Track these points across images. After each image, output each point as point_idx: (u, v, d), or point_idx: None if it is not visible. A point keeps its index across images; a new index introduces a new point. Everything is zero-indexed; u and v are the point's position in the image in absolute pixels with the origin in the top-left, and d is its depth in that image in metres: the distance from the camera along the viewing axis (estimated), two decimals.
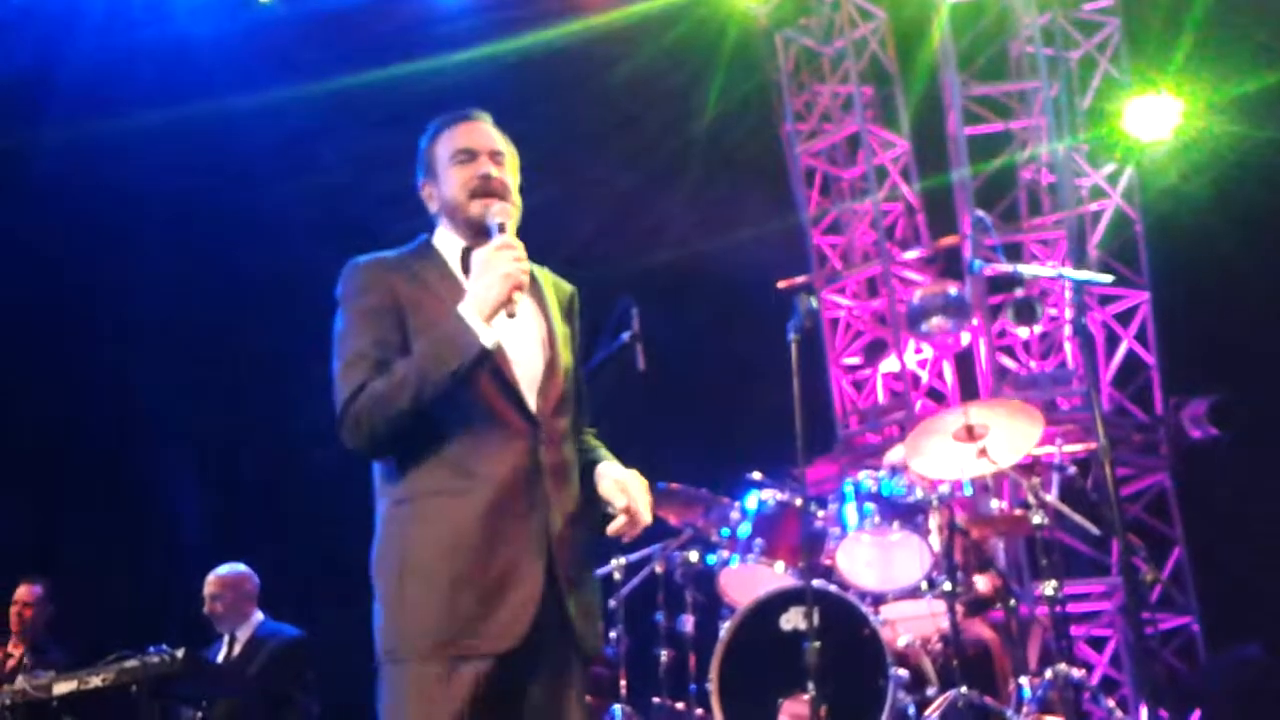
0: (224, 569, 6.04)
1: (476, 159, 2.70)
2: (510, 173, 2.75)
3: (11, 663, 6.22)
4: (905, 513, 5.14)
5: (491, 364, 2.51)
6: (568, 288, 2.87)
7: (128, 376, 8.06)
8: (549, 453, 2.57)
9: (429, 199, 2.79)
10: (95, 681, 4.65)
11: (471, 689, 2.41)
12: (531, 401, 2.59)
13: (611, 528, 2.61)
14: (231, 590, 5.97)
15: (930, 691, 4.80)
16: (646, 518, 2.61)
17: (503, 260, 2.50)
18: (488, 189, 2.67)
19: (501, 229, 2.59)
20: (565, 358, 2.69)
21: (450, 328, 2.48)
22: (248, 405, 7.94)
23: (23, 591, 6.46)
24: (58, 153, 7.65)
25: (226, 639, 5.93)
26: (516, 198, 2.74)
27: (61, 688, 4.69)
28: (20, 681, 4.76)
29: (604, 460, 2.74)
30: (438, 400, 2.47)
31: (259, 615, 6.00)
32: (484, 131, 2.76)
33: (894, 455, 5.71)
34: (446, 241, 2.74)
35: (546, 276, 2.81)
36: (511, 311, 2.49)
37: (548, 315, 2.71)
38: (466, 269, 2.63)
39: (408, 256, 2.72)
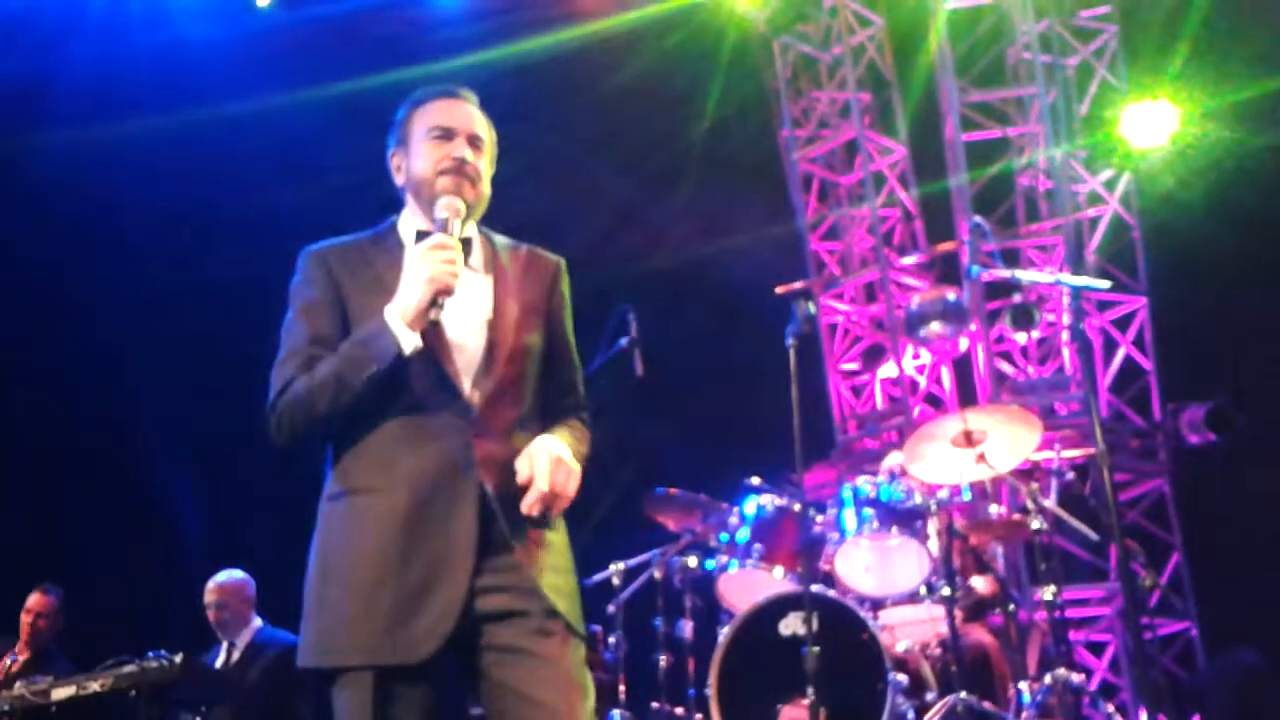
0: (224, 577, 6.05)
1: (454, 139, 2.58)
2: (486, 159, 2.64)
3: (14, 667, 6.19)
4: (904, 518, 5.13)
5: (426, 352, 2.41)
6: (550, 259, 2.71)
7: (127, 380, 8.06)
8: (486, 445, 2.43)
9: (396, 170, 2.66)
10: (94, 687, 4.65)
11: (402, 703, 2.33)
12: (468, 390, 2.46)
13: (523, 505, 2.39)
14: (235, 598, 5.99)
15: (929, 696, 4.79)
16: (542, 485, 2.36)
17: (432, 262, 2.39)
18: (460, 171, 2.55)
19: (445, 225, 2.47)
20: (523, 338, 2.54)
21: (370, 331, 2.41)
22: (247, 409, 7.91)
23: (37, 601, 6.37)
24: (56, 157, 7.65)
25: (225, 644, 5.94)
26: (486, 187, 2.62)
27: (60, 693, 4.69)
28: (19, 687, 4.75)
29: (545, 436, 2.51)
30: (358, 401, 2.41)
31: (257, 621, 6.01)
32: (466, 112, 2.63)
33: (892, 460, 5.71)
34: (408, 223, 2.63)
35: (518, 251, 2.67)
36: (435, 316, 2.40)
37: (502, 295, 2.56)
38: None
39: (365, 242, 2.63)
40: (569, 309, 2.71)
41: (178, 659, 4.68)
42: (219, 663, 5.87)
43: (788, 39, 8.60)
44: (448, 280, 2.39)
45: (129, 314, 7.99)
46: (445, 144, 2.58)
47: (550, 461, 2.39)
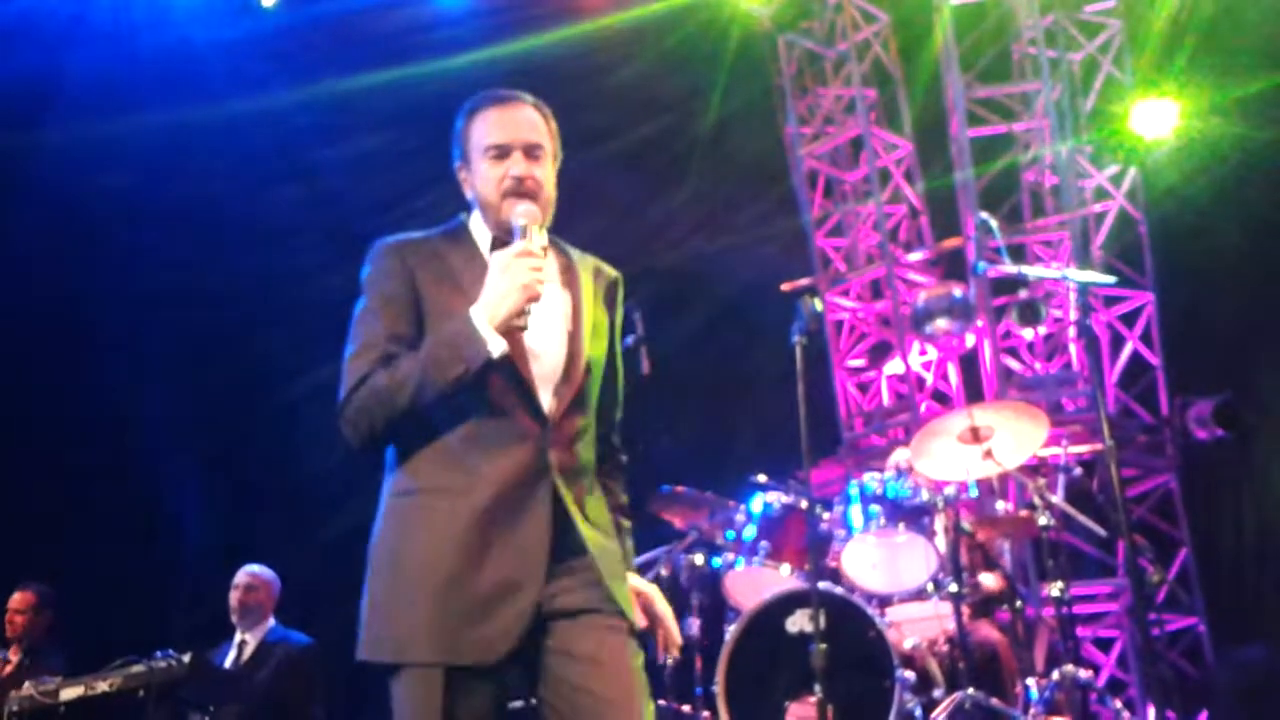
0: (258, 567, 6.07)
1: (509, 155, 2.57)
2: (547, 164, 2.63)
3: (9, 668, 6.19)
4: (911, 515, 5.13)
5: (505, 359, 2.43)
6: (611, 274, 2.75)
7: (131, 380, 8.06)
8: (558, 454, 2.48)
9: (464, 183, 2.67)
10: (102, 687, 4.66)
11: (474, 702, 2.37)
12: (545, 400, 2.50)
13: (661, 658, 2.74)
14: (265, 588, 6.03)
15: (937, 693, 4.79)
16: (677, 643, 2.81)
17: (521, 269, 2.42)
18: (520, 190, 2.55)
19: (524, 232, 2.49)
20: (592, 351, 2.59)
21: (458, 331, 2.41)
22: (250, 408, 7.94)
23: (16, 598, 6.38)
24: (60, 157, 7.65)
25: (236, 642, 5.93)
26: (551, 190, 2.62)
27: (69, 693, 4.70)
28: (27, 687, 4.76)
29: (623, 555, 2.69)
30: (438, 402, 2.42)
31: (272, 620, 6.01)
32: (519, 120, 2.62)
33: (898, 457, 5.70)
34: (480, 225, 2.65)
35: (586, 262, 2.71)
36: (523, 323, 2.43)
37: (578, 307, 2.60)
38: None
39: (438, 238, 2.64)
40: (620, 324, 2.76)
41: (186, 658, 4.68)
42: (228, 661, 5.86)
43: (792, 36, 8.59)
44: (537, 289, 2.43)
45: (131, 312, 8.00)
46: (501, 163, 2.58)
47: (671, 617, 2.76)
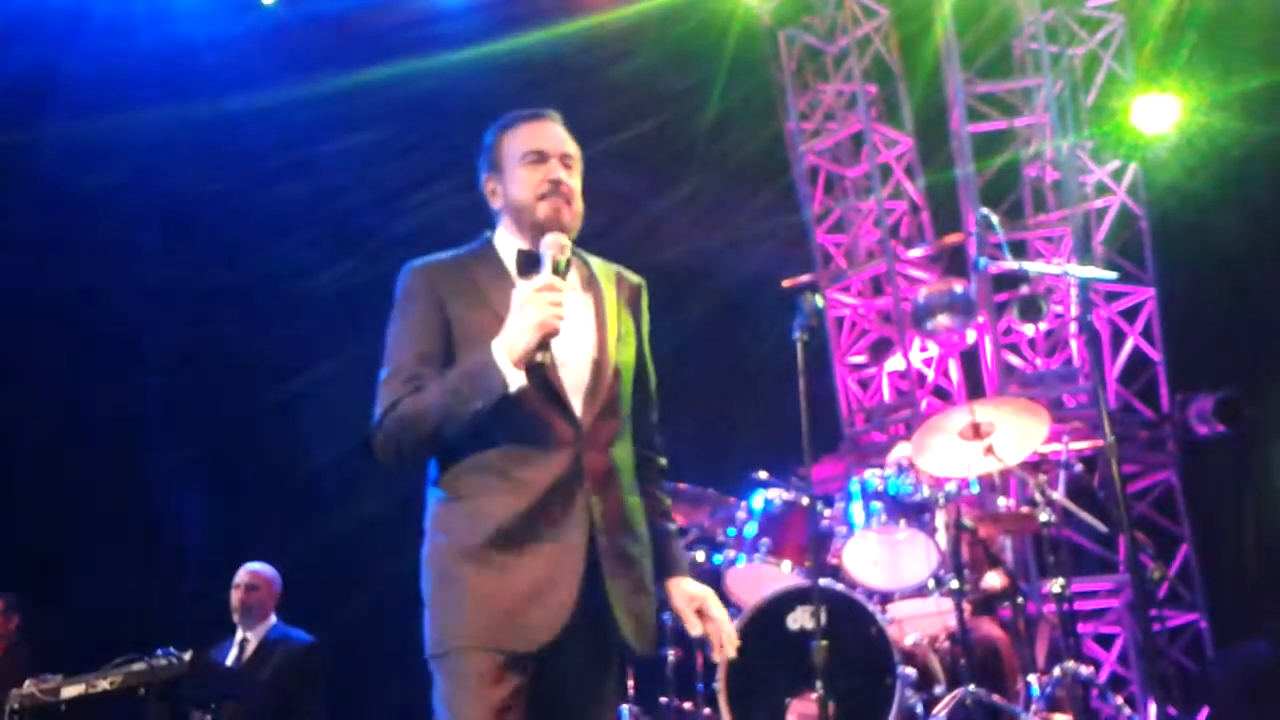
0: (259, 565, 6.08)
1: (547, 161, 2.69)
2: (578, 176, 2.75)
3: None
4: (912, 511, 5.13)
5: (537, 370, 2.52)
6: (634, 280, 2.85)
7: (131, 378, 8.06)
8: (593, 458, 2.59)
9: (492, 194, 2.77)
10: (103, 685, 4.65)
11: (511, 684, 2.46)
12: (577, 406, 2.60)
13: (716, 655, 2.81)
14: (267, 586, 6.04)
15: (938, 690, 4.79)
16: (733, 644, 2.78)
17: (539, 305, 2.47)
18: (557, 193, 2.66)
19: (551, 263, 2.55)
20: (620, 356, 2.69)
21: (477, 365, 2.49)
22: (250, 405, 7.94)
23: None
24: (59, 153, 7.65)
25: (238, 639, 5.93)
26: (579, 203, 2.73)
27: (69, 691, 4.69)
28: (28, 685, 4.75)
29: (673, 559, 2.82)
30: (461, 430, 2.51)
31: (273, 619, 6.01)
32: (555, 133, 2.74)
33: (899, 453, 5.70)
34: (505, 241, 2.73)
35: (608, 271, 2.80)
36: (542, 358, 2.50)
37: (602, 315, 2.70)
38: (522, 270, 2.64)
39: (465, 258, 2.73)
40: (647, 329, 2.85)
41: (187, 656, 4.68)
42: (230, 659, 5.86)
43: (793, 31, 8.59)
44: (554, 325, 2.49)
45: (132, 310, 7.99)
46: (540, 167, 2.69)
47: (726, 617, 2.80)
